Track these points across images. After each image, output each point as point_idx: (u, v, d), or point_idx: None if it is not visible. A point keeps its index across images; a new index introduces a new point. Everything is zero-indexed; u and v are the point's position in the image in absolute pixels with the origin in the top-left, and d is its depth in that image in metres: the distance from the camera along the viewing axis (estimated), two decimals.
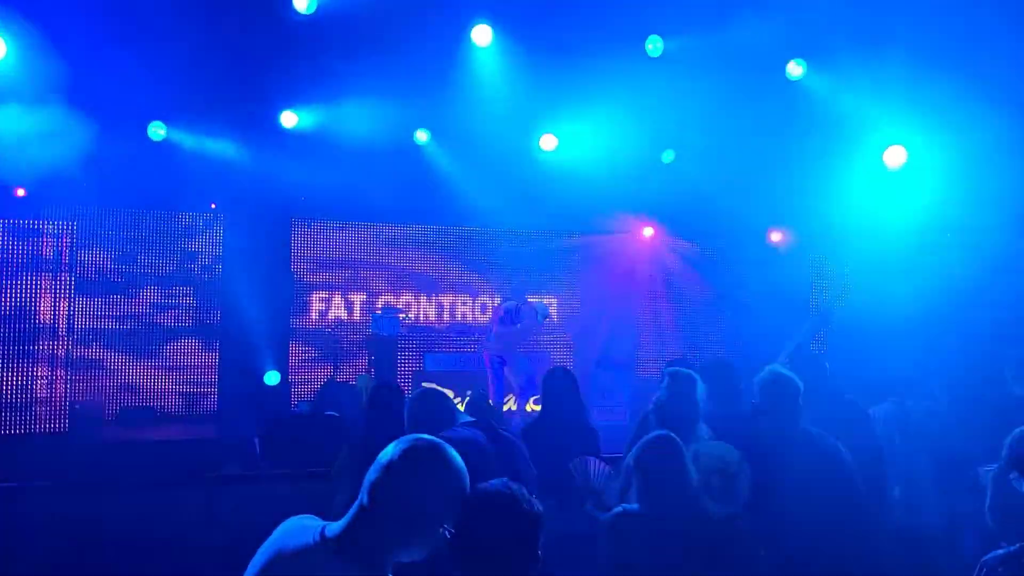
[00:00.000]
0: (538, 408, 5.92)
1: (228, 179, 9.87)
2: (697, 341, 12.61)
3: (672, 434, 3.57)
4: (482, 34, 8.52)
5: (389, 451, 2.17)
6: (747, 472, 3.68)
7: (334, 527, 2.17)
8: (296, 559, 2.14)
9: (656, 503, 3.41)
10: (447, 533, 2.15)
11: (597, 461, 4.34)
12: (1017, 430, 2.86)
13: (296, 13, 7.89)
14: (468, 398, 5.34)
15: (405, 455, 2.14)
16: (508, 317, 9.89)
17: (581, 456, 4.28)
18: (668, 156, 10.82)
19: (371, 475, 2.15)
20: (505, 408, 9.84)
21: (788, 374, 4.12)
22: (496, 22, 8.50)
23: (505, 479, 2.46)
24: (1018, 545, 2.63)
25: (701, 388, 4.36)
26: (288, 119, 9.68)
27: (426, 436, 2.22)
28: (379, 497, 2.12)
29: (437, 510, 2.13)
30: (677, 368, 4.47)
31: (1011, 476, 3.11)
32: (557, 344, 12.28)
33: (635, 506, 3.48)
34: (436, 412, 4.04)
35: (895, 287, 10.03)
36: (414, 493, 2.11)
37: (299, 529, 2.22)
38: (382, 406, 4.40)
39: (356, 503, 2.15)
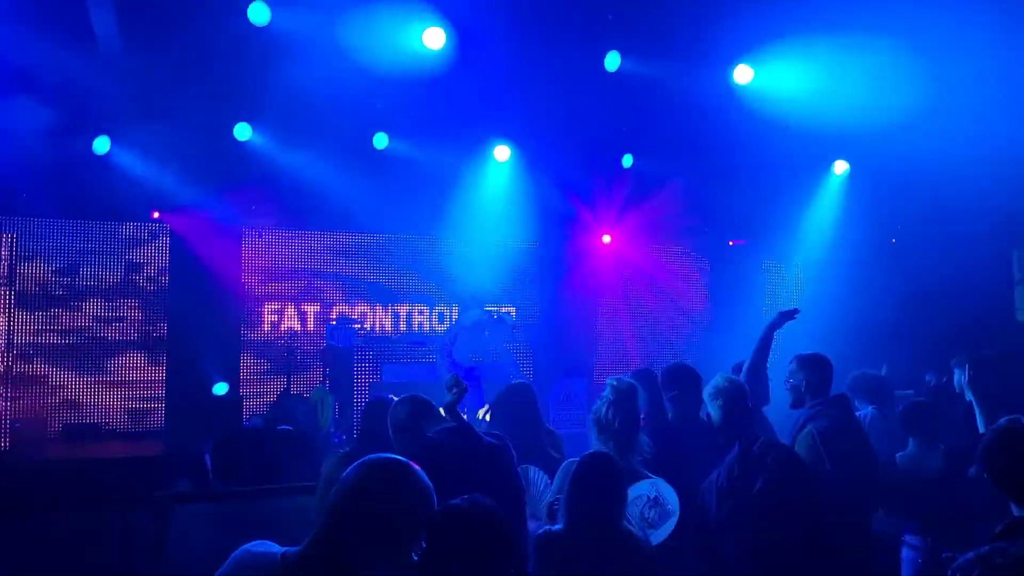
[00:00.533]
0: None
1: (175, 189, 9.61)
2: (657, 348, 12.64)
3: (609, 455, 3.50)
4: (434, 37, 8.43)
5: (350, 471, 2.11)
6: (678, 513, 3.66)
7: (295, 551, 2.09)
8: None
9: (577, 523, 3.26)
10: (415, 556, 2.08)
11: (537, 471, 4.26)
12: (993, 430, 2.81)
13: (247, 22, 7.77)
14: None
15: (365, 475, 2.09)
16: (476, 326, 9.85)
17: (524, 465, 4.16)
18: (627, 160, 10.85)
19: (332, 496, 2.09)
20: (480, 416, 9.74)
21: (735, 380, 4.12)
22: (451, 25, 8.42)
23: (474, 495, 2.41)
24: (988, 547, 2.59)
25: (642, 397, 4.28)
26: (242, 131, 9.54)
27: (388, 455, 2.16)
28: (340, 519, 2.06)
29: (401, 529, 2.06)
30: (618, 378, 4.37)
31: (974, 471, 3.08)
32: (517, 352, 12.10)
33: (559, 525, 3.34)
34: (417, 416, 3.99)
35: (846, 293, 10.22)
36: (376, 513, 2.05)
37: (259, 555, 2.13)
38: (374, 420, 4.38)
39: (318, 525, 2.08)
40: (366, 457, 2.14)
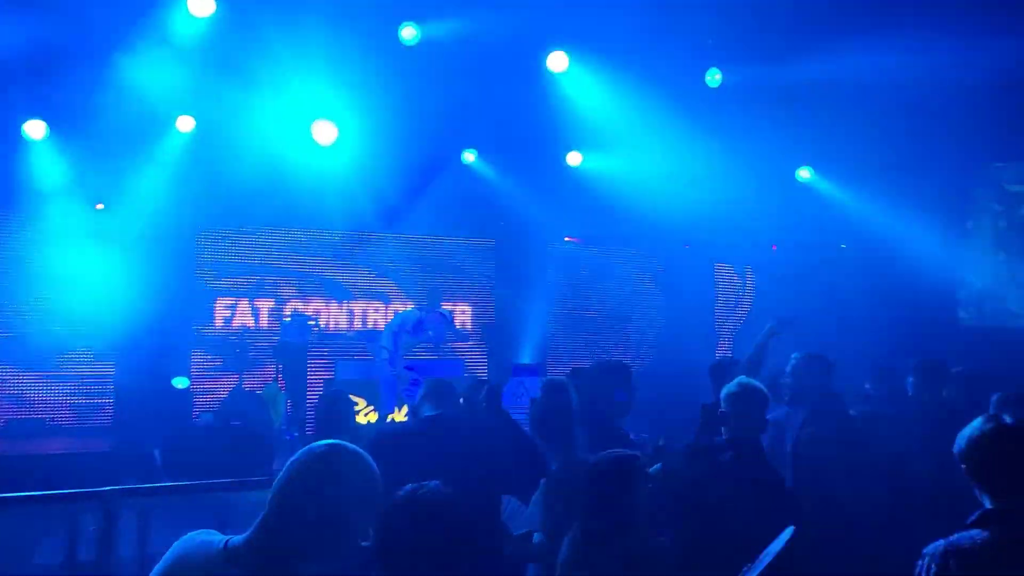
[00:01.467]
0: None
1: (121, 181, 9.48)
2: (608, 345, 12.79)
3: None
4: (408, 32, 8.48)
5: (294, 458, 2.08)
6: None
7: (238, 539, 2.06)
8: (199, 573, 2.03)
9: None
10: (364, 542, 2.06)
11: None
12: (974, 428, 2.91)
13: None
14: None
15: (308, 461, 2.06)
16: (417, 327, 9.88)
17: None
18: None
19: (275, 483, 2.06)
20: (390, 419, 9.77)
21: (756, 384, 4.07)
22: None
23: (430, 483, 2.38)
24: (957, 534, 2.72)
25: (574, 396, 4.32)
26: (185, 123, 9.51)
27: (328, 440, 2.12)
28: (281, 506, 2.02)
29: (342, 516, 2.02)
30: (550, 377, 4.58)
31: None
32: (471, 351, 12.22)
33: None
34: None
35: (794, 296, 10.43)
36: (316, 500, 2.01)
37: (201, 543, 2.10)
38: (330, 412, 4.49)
39: (261, 514, 2.05)
40: (311, 444, 2.11)
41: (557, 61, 9.06)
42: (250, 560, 2.01)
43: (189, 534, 2.15)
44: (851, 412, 4.87)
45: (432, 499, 2.28)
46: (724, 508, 3.47)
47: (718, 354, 11.69)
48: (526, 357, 11.72)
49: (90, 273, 10.05)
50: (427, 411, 4.40)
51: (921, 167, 9.87)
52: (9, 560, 4.63)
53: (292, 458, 2.08)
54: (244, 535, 2.05)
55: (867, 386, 6.15)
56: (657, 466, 3.82)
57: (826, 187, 11.00)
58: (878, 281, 10.40)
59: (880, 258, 10.44)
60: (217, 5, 8.04)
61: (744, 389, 3.96)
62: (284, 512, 2.02)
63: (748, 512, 3.40)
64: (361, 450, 2.10)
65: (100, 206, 10.22)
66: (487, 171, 10.99)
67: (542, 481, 3.87)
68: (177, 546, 2.13)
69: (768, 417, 4.00)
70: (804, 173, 11.24)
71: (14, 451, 8.80)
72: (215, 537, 2.11)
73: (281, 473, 2.06)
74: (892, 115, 8.93)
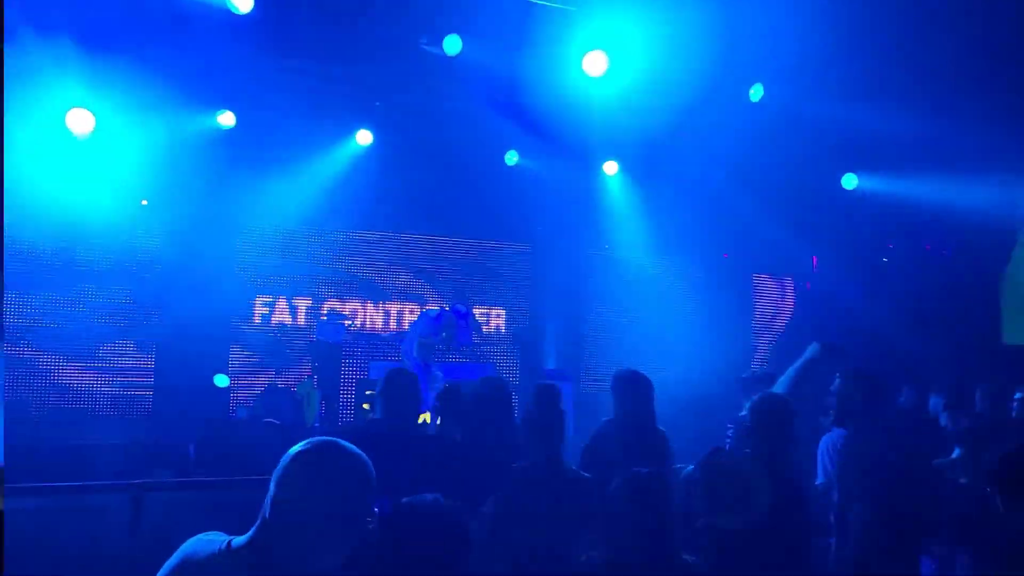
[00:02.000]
0: None
1: (163, 175, 9.62)
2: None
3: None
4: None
5: (289, 455, 2.10)
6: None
7: (240, 539, 2.09)
8: (202, 573, 2.07)
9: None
10: (370, 526, 2.09)
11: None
12: None
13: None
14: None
15: (293, 461, 2.07)
16: (432, 327, 9.92)
17: None
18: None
19: (272, 483, 2.08)
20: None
21: (781, 398, 4.05)
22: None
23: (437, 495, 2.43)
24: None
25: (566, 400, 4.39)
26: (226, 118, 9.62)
27: (321, 438, 2.14)
28: (277, 506, 2.04)
29: (336, 513, 2.03)
30: (541, 382, 4.50)
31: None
32: (503, 354, 12.20)
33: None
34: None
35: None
36: (307, 498, 2.03)
37: (204, 543, 2.13)
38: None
39: (260, 514, 2.09)
40: (305, 442, 2.12)
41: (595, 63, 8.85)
42: (252, 560, 2.03)
43: (196, 536, 2.18)
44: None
45: (433, 510, 2.31)
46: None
47: (752, 367, 11.56)
48: (555, 363, 11.70)
49: (133, 266, 10.28)
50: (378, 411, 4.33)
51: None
52: (38, 550, 4.72)
53: (286, 457, 2.09)
54: (246, 535, 2.09)
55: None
56: (689, 468, 3.89)
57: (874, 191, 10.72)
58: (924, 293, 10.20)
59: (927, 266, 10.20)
60: None
61: (768, 404, 3.93)
62: (279, 513, 2.03)
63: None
64: (353, 446, 2.11)
65: (144, 202, 10.42)
66: (528, 174, 10.95)
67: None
68: (183, 547, 2.16)
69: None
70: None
71: (53, 439, 8.96)
72: (219, 537, 2.14)
73: (277, 472, 2.07)
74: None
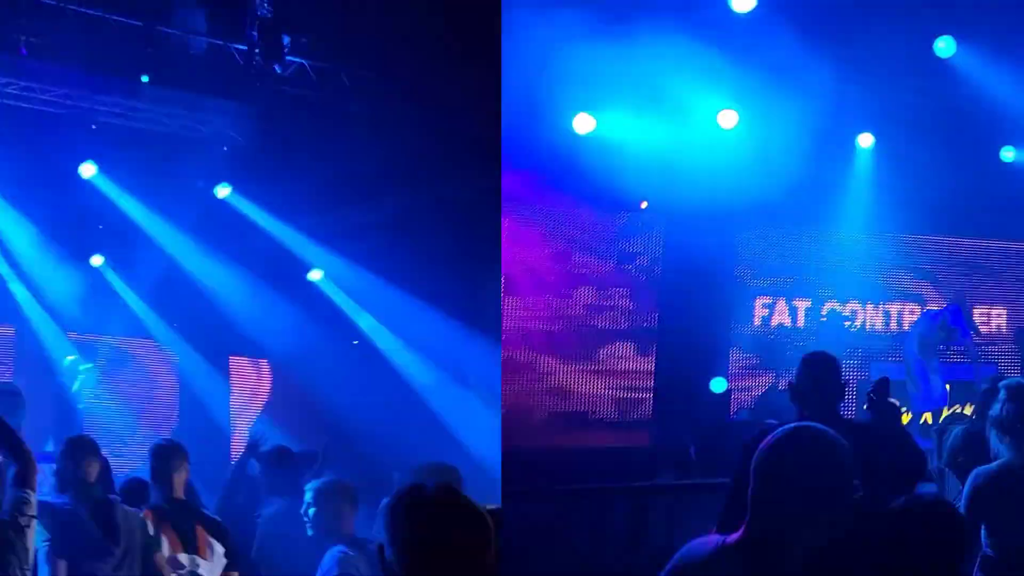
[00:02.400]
0: None
1: (664, 175, 9.49)
2: None
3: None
4: None
5: (774, 449, 2.16)
6: None
7: (734, 536, 2.17)
8: (704, 572, 2.16)
9: None
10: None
11: None
12: None
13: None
14: None
15: (772, 449, 2.14)
16: (932, 324, 10.36)
17: None
18: None
19: (753, 475, 2.16)
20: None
21: None
22: None
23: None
24: None
25: None
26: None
27: (792, 423, 2.24)
28: (760, 495, 2.12)
29: (825, 502, 2.07)
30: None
31: None
32: (1005, 353, 11.92)
33: None
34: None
35: None
36: (790, 481, 2.09)
37: (701, 544, 2.22)
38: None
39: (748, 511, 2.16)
40: (789, 433, 2.15)
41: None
42: (742, 555, 2.10)
43: (694, 540, 2.23)
44: None
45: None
46: None
47: None
48: None
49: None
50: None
51: None
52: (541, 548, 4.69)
53: (764, 447, 2.13)
54: (738, 532, 2.13)
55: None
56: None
57: None
58: None
59: None
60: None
61: None
62: (767, 499, 2.11)
63: None
64: (825, 427, 2.16)
65: (644, 204, 10.44)
66: None
67: None
68: (681, 551, 2.23)
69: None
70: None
71: (556, 444, 9.27)
72: (714, 538, 2.22)
73: (756, 462, 2.11)
74: None
